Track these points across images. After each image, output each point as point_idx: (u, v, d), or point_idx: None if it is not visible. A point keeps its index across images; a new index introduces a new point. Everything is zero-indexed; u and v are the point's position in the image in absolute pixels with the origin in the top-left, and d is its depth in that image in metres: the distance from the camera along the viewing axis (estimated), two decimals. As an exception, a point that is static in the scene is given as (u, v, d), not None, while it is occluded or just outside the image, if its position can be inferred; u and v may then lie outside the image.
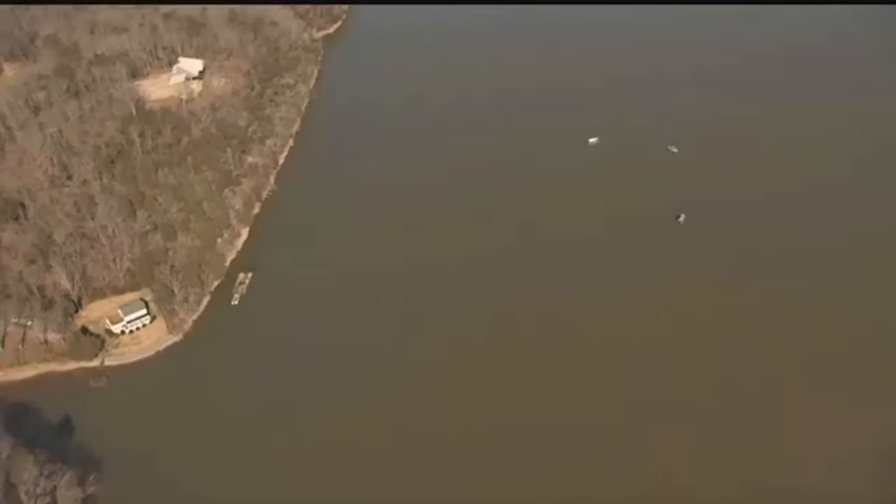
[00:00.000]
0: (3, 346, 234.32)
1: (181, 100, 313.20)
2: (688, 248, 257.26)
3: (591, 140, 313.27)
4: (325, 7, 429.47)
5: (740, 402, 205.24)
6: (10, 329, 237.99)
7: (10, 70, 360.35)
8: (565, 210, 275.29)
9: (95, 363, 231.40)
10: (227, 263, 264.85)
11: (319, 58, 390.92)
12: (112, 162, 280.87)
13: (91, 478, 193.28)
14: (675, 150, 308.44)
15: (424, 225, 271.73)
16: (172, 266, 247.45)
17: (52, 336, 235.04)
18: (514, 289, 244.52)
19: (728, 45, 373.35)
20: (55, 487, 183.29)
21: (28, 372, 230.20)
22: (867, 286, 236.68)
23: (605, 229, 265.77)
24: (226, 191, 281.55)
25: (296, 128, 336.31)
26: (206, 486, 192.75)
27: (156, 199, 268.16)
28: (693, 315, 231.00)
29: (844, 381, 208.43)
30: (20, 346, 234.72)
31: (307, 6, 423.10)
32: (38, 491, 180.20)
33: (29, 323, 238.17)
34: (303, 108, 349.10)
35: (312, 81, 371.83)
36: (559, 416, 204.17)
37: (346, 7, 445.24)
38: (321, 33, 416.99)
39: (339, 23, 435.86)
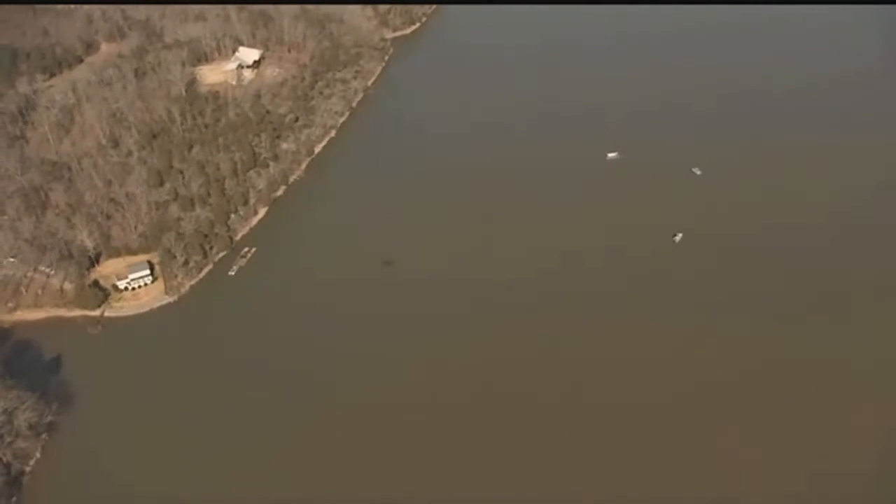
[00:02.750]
0: (25, 290, 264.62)
1: (231, 85, 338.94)
2: (670, 270, 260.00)
3: (611, 155, 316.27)
4: (405, 8, 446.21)
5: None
6: (35, 276, 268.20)
7: (105, 48, 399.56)
8: (568, 219, 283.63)
9: (97, 313, 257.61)
10: (238, 238, 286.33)
11: (386, 57, 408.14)
12: (154, 137, 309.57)
13: (54, 407, 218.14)
14: (699, 172, 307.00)
15: (439, 228, 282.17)
16: (180, 234, 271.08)
17: (68, 286, 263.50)
18: (505, 297, 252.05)
19: (768, 70, 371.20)
20: (16, 408, 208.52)
21: (40, 314, 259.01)
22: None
23: (603, 241, 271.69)
24: (251, 172, 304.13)
25: (341, 120, 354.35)
26: (151, 426, 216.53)
27: (182, 173, 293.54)
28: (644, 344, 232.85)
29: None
30: (40, 292, 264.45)
31: (387, 6, 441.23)
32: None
33: (51, 272, 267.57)
34: (354, 104, 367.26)
35: (372, 79, 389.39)
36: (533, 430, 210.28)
37: (428, 10, 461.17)
38: (396, 34, 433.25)
39: (418, 25, 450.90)
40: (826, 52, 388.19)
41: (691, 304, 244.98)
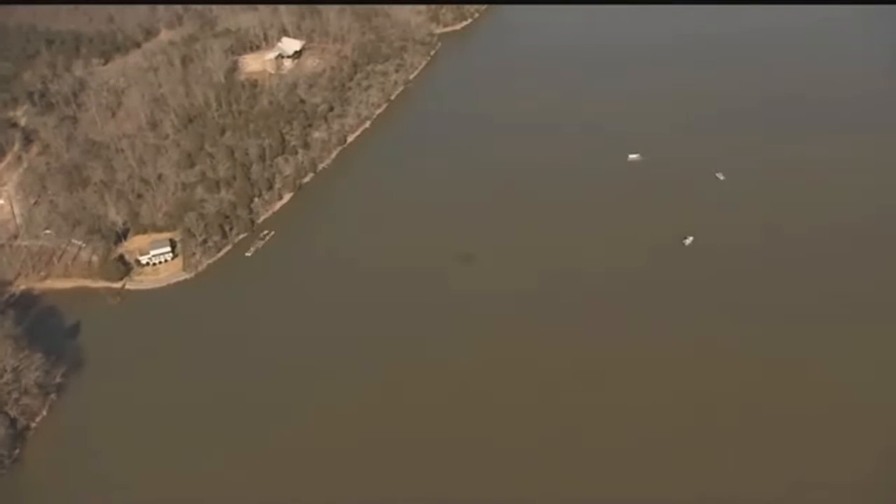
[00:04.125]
0: (57, 260, 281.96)
1: (269, 74, 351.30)
2: (673, 273, 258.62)
3: (632, 156, 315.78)
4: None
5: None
6: (68, 248, 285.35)
7: (164, 35, 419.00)
8: (577, 220, 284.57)
9: (118, 285, 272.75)
10: (260, 221, 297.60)
11: (432, 52, 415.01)
12: (190, 121, 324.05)
13: (64, 369, 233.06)
14: (722, 177, 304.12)
15: (458, 224, 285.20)
16: (202, 214, 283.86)
17: (95, 259, 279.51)
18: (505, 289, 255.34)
19: (801, 77, 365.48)
20: (26, 367, 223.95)
21: (68, 284, 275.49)
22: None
23: (610, 243, 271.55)
24: (279, 158, 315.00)
25: (377, 112, 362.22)
26: (155, 392, 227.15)
27: (211, 157, 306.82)
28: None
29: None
30: (70, 263, 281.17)
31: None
32: (8, 367, 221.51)
33: (83, 245, 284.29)
34: (392, 96, 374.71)
35: (415, 73, 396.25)
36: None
37: (481, 6, 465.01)
38: (445, 29, 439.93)
39: (469, 20, 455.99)
40: (852, 59, 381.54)
41: (687, 307, 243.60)
